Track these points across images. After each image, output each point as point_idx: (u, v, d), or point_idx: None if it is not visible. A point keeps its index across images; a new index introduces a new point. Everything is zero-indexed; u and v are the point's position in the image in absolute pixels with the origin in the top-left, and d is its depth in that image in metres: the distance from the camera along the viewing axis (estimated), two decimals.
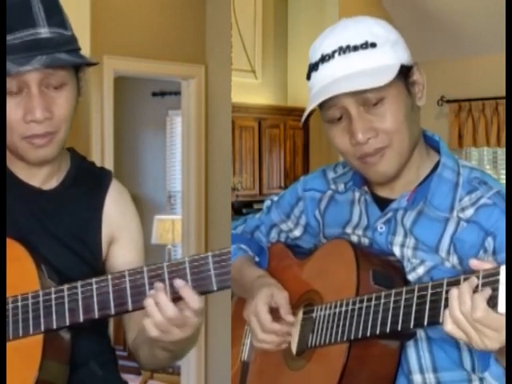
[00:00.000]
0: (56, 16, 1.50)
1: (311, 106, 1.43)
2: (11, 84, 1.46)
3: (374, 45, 1.42)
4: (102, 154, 4.33)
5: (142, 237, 1.74)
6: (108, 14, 4.40)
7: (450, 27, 6.97)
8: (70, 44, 1.51)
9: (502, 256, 1.39)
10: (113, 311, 1.41)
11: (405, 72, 1.45)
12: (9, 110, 1.47)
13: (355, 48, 1.42)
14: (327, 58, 1.44)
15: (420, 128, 1.53)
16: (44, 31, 1.46)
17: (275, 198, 1.84)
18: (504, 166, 7.12)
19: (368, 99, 1.41)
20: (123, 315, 1.62)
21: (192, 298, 1.36)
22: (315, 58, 1.46)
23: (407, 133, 1.45)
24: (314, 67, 1.47)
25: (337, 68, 1.43)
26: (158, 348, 1.47)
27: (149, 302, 1.36)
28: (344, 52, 1.42)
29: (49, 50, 1.46)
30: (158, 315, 1.36)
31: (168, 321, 1.36)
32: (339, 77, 1.42)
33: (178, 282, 1.36)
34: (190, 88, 5.01)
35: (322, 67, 1.45)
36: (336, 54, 1.43)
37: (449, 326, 1.24)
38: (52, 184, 1.62)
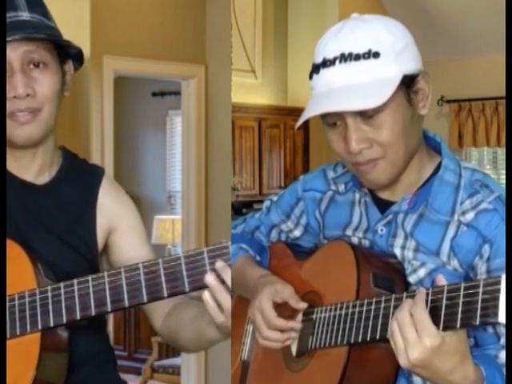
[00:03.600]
0: (38, 7, 1.56)
1: (306, 116, 1.42)
2: None
3: (376, 54, 1.39)
4: (102, 154, 4.33)
5: (142, 223, 1.74)
6: (108, 14, 4.40)
7: (450, 27, 6.98)
8: (51, 30, 1.55)
9: (496, 262, 1.39)
10: (109, 308, 1.42)
11: (408, 82, 1.42)
12: None
13: (357, 57, 1.39)
14: (328, 63, 1.42)
15: (421, 135, 1.51)
16: (25, 15, 1.52)
17: (274, 198, 1.83)
18: (504, 166, 7.12)
19: (365, 111, 1.39)
20: None
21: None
22: (318, 59, 1.45)
23: (403, 145, 1.43)
24: (315, 69, 1.45)
25: (336, 77, 1.41)
26: (212, 327, 1.45)
27: (206, 296, 1.38)
28: (345, 60, 1.40)
29: (29, 30, 1.51)
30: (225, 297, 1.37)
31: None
32: (337, 87, 1.40)
33: (219, 264, 1.35)
34: (190, 88, 5.01)
35: (323, 72, 1.43)
36: (337, 61, 1.41)
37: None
38: (44, 178, 1.63)
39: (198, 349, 1.63)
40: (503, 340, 1.38)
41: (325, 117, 1.45)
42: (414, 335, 1.24)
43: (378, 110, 1.39)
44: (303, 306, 1.58)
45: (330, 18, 6.56)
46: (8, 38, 1.48)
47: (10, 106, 1.51)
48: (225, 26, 4.88)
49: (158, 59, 4.73)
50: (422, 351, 1.23)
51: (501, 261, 1.38)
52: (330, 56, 1.42)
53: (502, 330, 1.38)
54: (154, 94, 7.16)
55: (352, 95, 1.38)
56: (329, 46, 1.43)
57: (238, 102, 5.76)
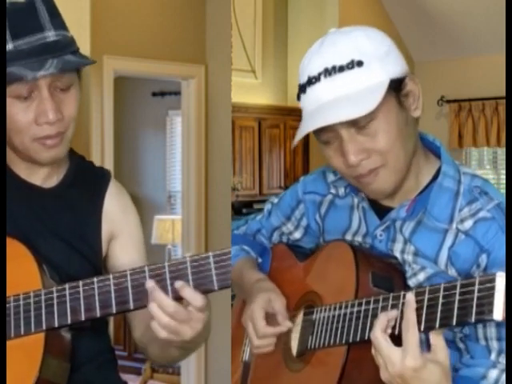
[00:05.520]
0: (57, 18, 1.52)
1: (299, 136, 1.41)
2: (22, 89, 1.48)
3: (360, 63, 1.38)
4: (102, 154, 4.33)
5: (142, 234, 1.75)
6: (108, 14, 4.40)
7: (450, 27, 6.98)
8: (72, 45, 1.54)
9: (493, 271, 1.38)
10: (114, 310, 1.42)
11: (396, 86, 1.40)
12: (18, 114, 1.49)
13: (341, 69, 1.38)
14: (313, 80, 1.41)
15: (417, 138, 1.49)
16: (51, 34, 1.49)
17: (275, 201, 1.83)
18: (504, 166, 7.12)
19: (357, 121, 1.38)
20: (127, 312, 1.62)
21: (193, 298, 1.36)
22: (303, 79, 1.44)
23: (401, 149, 1.42)
24: (302, 89, 1.45)
25: (323, 92, 1.40)
26: (171, 347, 1.47)
27: (152, 305, 1.36)
28: (330, 74, 1.39)
29: (58, 53, 1.49)
30: (162, 316, 1.36)
31: (171, 318, 1.36)
32: (325, 102, 1.39)
33: (178, 284, 1.36)
34: (190, 88, 5.01)
35: (310, 90, 1.42)
36: (322, 77, 1.40)
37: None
38: (52, 182, 1.63)
39: (165, 362, 1.70)
40: (494, 356, 1.38)
41: (319, 134, 1.43)
42: (395, 354, 1.28)
43: (370, 118, 1.38)
44: (288, 325, 1.59)
45: (330, 18, 6.55)
46: (44, 72, 1.45)
47: (39, 132, 1.50)
48: (225, 26, 4.88)
49: (158, 59, 4.73)
50: (402, 370, 1.26)
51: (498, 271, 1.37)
52: (315, 73, 1.41)
53: (494, 345, 1.38)
54: (154, 94, 7.17)
55: (341, 106, 1.37)
56: (312, 64, 1.42)
57: (238, 101, 5.76)
